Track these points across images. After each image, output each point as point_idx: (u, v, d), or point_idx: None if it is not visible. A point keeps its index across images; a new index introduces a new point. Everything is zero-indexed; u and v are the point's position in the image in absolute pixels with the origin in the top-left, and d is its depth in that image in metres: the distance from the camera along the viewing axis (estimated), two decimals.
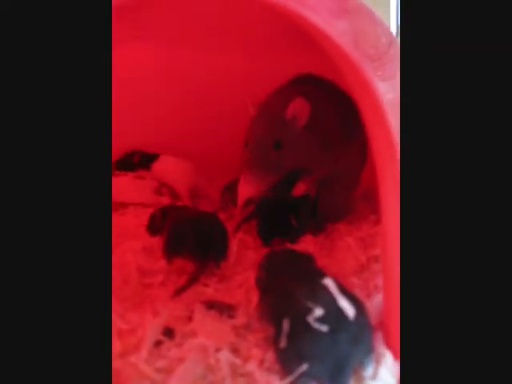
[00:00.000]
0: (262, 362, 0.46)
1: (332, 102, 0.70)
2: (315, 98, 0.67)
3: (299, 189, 0.71)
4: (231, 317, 0.52)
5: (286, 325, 0.42)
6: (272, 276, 0.49)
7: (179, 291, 0.56)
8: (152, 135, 0.91)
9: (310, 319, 0.41)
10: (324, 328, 0.40)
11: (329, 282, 0.43)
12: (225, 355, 0.45)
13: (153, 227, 0.72)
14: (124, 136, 0.85)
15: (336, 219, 0.76)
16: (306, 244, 0.70)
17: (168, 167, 0.86)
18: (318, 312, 0.41)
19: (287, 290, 0.45)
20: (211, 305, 0.53)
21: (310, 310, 0.41)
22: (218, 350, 0.46)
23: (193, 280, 0.58)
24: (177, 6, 0.82)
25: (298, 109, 0.64)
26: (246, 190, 0.73)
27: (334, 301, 0.42)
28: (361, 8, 0.46)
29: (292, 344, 0.41)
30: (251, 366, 0.45)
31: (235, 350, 0.47)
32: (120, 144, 0.83)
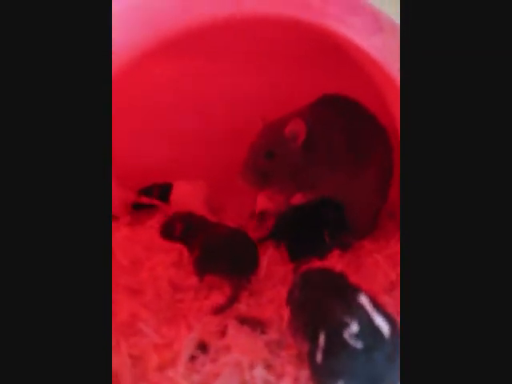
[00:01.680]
0: (296, 380, 0.46)
1: (348, 125, 0.72)
2: (328, 121, 0.71)
3: (296, 199, 0.72)
4: (263, 333, 0.52)
5: (321, 340, 0.42)
6: (307, 292, 0.50)
7: (220, 311, 0.56)
8: (167, 151, 0.91)
9: (346, 335, 0.41)
10: (359, 345, 0.41)
11: (364, 300, 0.44)
12: (259, 372, 0.45)
13: (169, 233, 0.73)
14: (139, 154, 0.88)
15: (361, 236, 0.76)
16: (334, 260, 0.70)
17: (184, 195, 0.87)
18: (354, 328, 0.41)
19: (323, 306, 0.45)
20: (244, 320, 0.54)
21: (346, 326, 0.41)
22: (252, 365, 0.47)
23: (233, 300, 0.58)
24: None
25: (296, 129, 0.67)
26: (263, 203, 0.77)
27: (369, 318, 0.42)
28: (393, 27, 0.46)
29: (327, 359, 0.41)
30: (285, 383, 0.45)
31: (269, 367, 0.47)
32: (136, 166, 0.86)
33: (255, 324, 0.53)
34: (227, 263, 0.61)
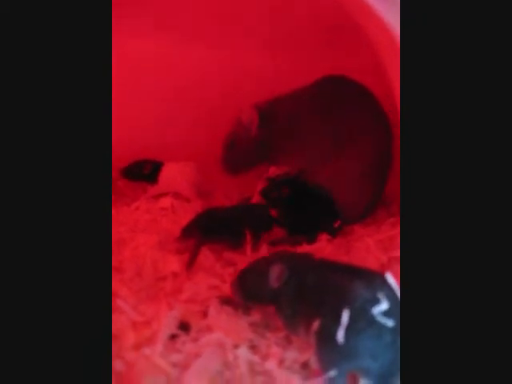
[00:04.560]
0: (281, 361, 0.44)
1: (336, 107, 0.74)
2: (305, 102, 0.75)
3: (271, 171, 0.77)
4: (247, 314, 0.50)
5: (345, 317, 0.39)
6: (303, 277, 0.46)
7: (189, 265, 0.58)
8: (157, 132, 0.90)
9: (376, 312, 0.39)
10: (390, 323, 0.38)
11: (389, 278, 0.41)
12: (243, 352, 0.43)
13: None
14: (132, 135, 0.87)
15: (351, 221, 0.75)
16: (323, 244, 0.68)
17: (173, 176, 0.86)
18: (384, 305, 0.39)
19: (342, 285, 0.42)
20: (227, 301, 0.52)
21: (376, 302, 0.39)
22: (235, 346, 0.45)
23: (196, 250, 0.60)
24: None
25: (249, 117, 0.74)
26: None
27: (396, 297, 0.40)
28: None
29: (350, 339, 0.39)
30: (270, 365, 0.43)
31: (253, 347, 0.45)
32: (128, 143, 0.84)
33: (238, 304, 0.51)
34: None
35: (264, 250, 0.64)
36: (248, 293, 0.50)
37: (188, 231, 0.66)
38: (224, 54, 0.88)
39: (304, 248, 0.67)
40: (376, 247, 0.65)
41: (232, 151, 0.77)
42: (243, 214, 0.70)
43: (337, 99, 0.74)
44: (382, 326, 0.39)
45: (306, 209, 0.72)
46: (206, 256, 0.60)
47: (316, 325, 0.41)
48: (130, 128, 0.87)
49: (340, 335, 0.39)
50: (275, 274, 0.47)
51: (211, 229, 0.64)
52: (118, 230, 0.69)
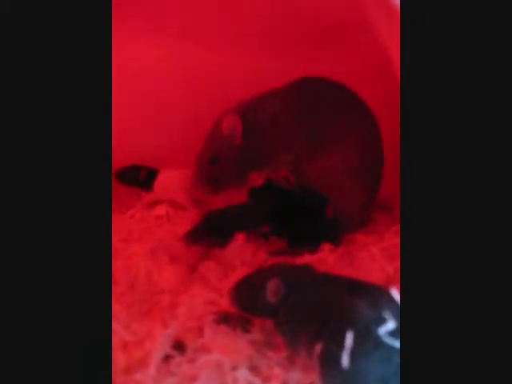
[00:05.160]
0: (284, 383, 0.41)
1: (313, 107, 0.71)
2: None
3: (253, 176, 0.72)
4: (247, 331, 0.47)
5: (349, 339, 0.37)
6: (303, 293, 0.44)
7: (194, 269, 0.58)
8: (154, 138, 0.88)
9: (382, 332, 0.37)
10: (397, 343, 0.36)
11: (395, 294, 0.39)
12: (243, 374, 0.40)
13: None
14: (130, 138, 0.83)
15: (351, 229, 0.72)
16: (325, 254, 0.66)
17: (168, 183, 0.84)
18: (391, 325, 0.37)
19: (343, 303, 0.40)
20: (225, 318, 0.49)
21: (382, 322, 0.37)
22: (234, 367, 0.42)
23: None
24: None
25: (232, 124, 0.68)
26: None
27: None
28: None
29: (356, 362, 0.36)
30: None
31: (254, 368, 0.42)
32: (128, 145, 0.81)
33: (237, 321, 0.48)
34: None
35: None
36: (244, 304, 0.48)
37: (192, 237, 0.65)
38: (225, 56, 0.85)
39: (306, 258, 0.64)
40: (381, 256, 0.63)
41: (215, 168, 0.69)
42: (240, 213, 0.69)
43: (317, 99, 0.71)
44: (391, 348, 0.36)
45: (305, 218, 0.70)
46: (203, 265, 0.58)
47: (318, 347, 0.38)
48: (127, 131, 0.85)
49: (345, 359, 0.36)
50: (272, 289, 0.45)
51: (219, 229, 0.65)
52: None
